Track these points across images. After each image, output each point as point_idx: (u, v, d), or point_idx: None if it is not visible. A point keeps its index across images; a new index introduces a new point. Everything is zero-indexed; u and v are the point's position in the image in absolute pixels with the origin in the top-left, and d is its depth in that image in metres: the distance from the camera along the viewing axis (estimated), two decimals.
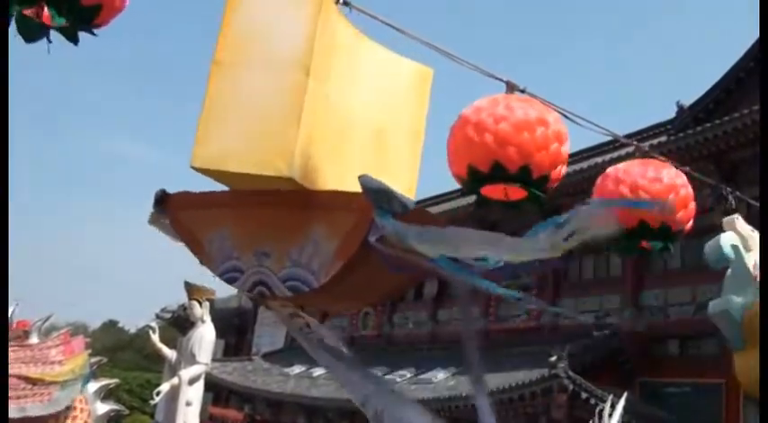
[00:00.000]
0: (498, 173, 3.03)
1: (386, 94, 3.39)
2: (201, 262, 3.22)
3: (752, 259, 4.44)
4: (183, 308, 9.87)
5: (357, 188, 2.73)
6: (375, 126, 3.29)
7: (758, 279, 4.36)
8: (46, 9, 2.14)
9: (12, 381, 4.19)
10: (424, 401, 18.45)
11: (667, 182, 3.78)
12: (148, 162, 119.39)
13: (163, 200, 3.23)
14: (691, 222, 3.84)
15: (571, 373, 15.19)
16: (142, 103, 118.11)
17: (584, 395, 15.07)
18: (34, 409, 4.21)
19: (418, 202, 3.32)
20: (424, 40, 3.27)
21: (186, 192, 3.22)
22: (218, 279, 3.24)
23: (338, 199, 2.87)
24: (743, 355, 4.32)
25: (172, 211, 3.24)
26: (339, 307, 3.42)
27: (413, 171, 3.49)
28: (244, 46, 3.03)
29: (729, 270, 4.42)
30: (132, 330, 63.62)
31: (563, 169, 3.20)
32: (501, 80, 3.29)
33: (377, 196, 2.68)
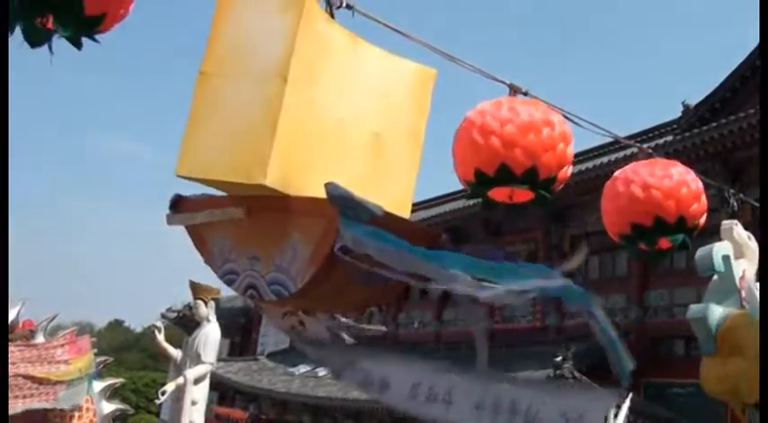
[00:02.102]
0: (505, 175, 3.03)
1: (384, 97, 3.39)
2: (206, 263, 3.27)
3: (741, 267, 4.47)
4: (189, 307, 9.89)
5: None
6: (371, 130, 3.29)
7: (743, 289, 4.39)
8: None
9: (18, 380, 4.21)
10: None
11: (677, 177, 3.79)
12: (153, 162, 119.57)
13: (177, 203, 3.30)
14: (705, 215, 3.85)
15: (576, 374, 15.17)
16: (148, 103, 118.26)
17: None
18: (36, 406, 4.23)
19: (421, 203, 3.33)
20: (426, 43, 3.28)
21: (197, 195, 3.27)
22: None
23: (311, 205, 2.90)
24: (711, 360, 4.40)
25: (186, 215, 3.29)
26: (321, 311, 3.45)
27: (411, 174, 3.50)
28: (229, 57, 3.07)
29: (716, 277, 4.46)
30: (138, 330, 63.82)
31: (569, 170, 3.21)
32: (504, 83, 3.29)
33: (342, 203, 2.69)
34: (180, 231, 3.43)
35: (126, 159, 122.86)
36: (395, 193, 3.30)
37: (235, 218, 3.09)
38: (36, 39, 2.17)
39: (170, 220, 3.34)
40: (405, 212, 3.33)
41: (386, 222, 2.70)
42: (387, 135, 3.35)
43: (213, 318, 9.45)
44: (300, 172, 2.95)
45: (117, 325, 68.65)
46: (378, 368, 3.09)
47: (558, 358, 15.31)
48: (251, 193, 2.97)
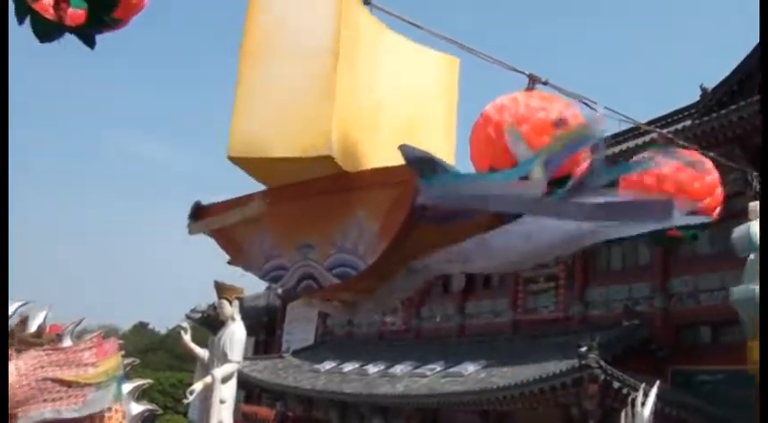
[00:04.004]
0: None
1: (413, 85, 3.39)
2: (242, 266, 3.23)
3: None
4: (213, 307, 9.98)
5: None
6: (405, 115, 3.28)
7: None
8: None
9: (47, 384, 4.26)
10: (455, 395, 18.48)
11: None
12: (177, 166, 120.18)
13: (198, 212, 3.27)
14: (718, 209, 3.79)
15: (602, 363, 15.10)
16: (169, 105, 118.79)
17: (615, 385, 14.98)
18: (69, 411, 4.27)
19: None
20: (446, 36, 3.27)
21: (222, 200, 3.26)
22: (248, 278, 3.26)
23: (375, 176, 2.86)
24: (753, 343, 4.34)
25: (211, 221, 3.27)
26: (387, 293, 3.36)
27: (446, 155, 3.45)
28: (269, 36, 3.07)
29: (752, 256, 4.40)
30: (163, 331, 64.22)
31: (586, 163, 3.17)
32: (523, 73, 3.27)
33: (420, 164, 2.65)
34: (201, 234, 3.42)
35: (150, 161, 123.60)
36: None
37: (274, 213, 3.07)
38: (45, 33, 2.14)
39: (191, 229, 3.32)
40: None
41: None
42: (420, 121, 3.34)
43: (238, 317, 9.50)
44: (352, 147, 2.94)
45: (141, 327, 69.09)
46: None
47: (583, 349, 15.23)
48: (304, 171, 2.94)
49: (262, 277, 3.19)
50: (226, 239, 3.28)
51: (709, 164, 3.80)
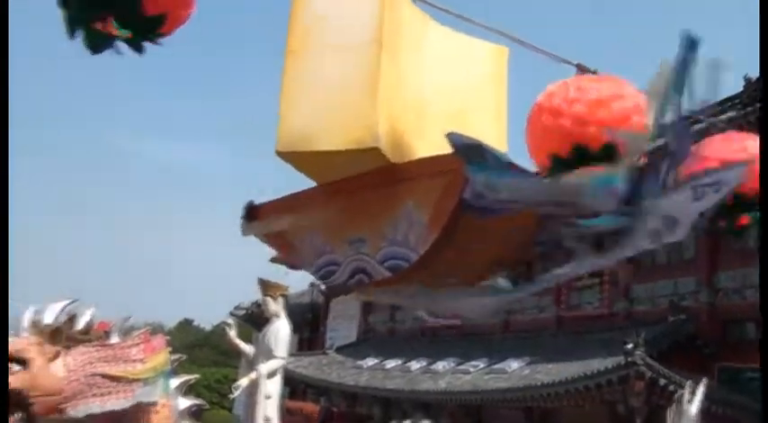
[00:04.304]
0: (581, 155, 2.90)
1: (460, 76, 3.37)
2: (293, 263, 3.27)
3: None
4: (257, 305, 10.11)
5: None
6: (453, 107, 3.26)
7: None
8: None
9: (96, 379, 4.34)
10: (499, 391, 18.42)
11: (752, 151, 3.44)
12: (217, 166, 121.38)
13: (252, 211, 3.31)
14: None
15: (648, 360, 14.93)
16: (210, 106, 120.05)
17: (662, 382, 14.81)
18: (117, 405, 4.36)
19: None
20: (491, 27, 3.26)
21: (273, 200, 3.28)
22: (292, 275, 3.30)
23: (423, 166, 2.85)
24: None
25: (264, 220, 3.30)
26: (439, 284, 3.35)
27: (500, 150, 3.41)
28: (313, 32, 3.10)
29: None
30: (207, 328, 64.90)
31: (647, 143, 3.10)
32: (571, 64, 3.23)
33: (468, 152, 2.62)
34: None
35: (190, 161, 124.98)
36: None
37: (325, 209, 3.09)
38: (96, 44, 2.15)
39: (246, 230, 3.35)
40: None
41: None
42: (469, 113, 3.31)
43: (283, 314, 9.59)
44: (398, 139, 2.95)
45: (187, 324, 69.90)
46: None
47: (629, 345, 15.07)
48: (352, 164, 2.96)
49: (314, 273, 3.21)
50: (278, 238, 3.31)
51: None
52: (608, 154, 2.91)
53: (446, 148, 2.68)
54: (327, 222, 3.14)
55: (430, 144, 3.00)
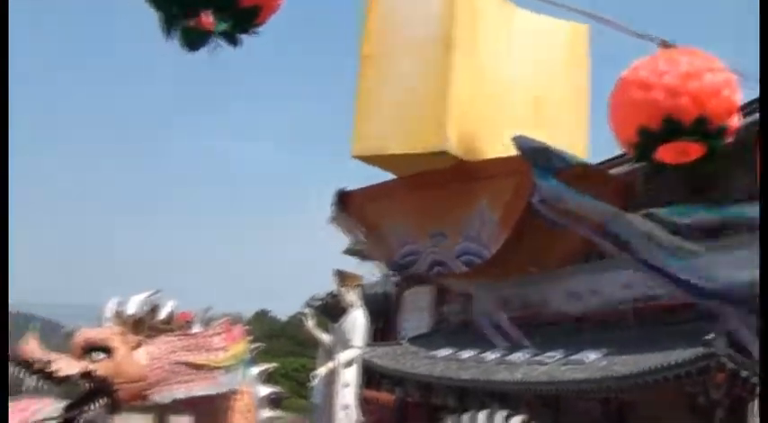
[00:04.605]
0: (672, 128, 2.83)
1: (541, 58, 3.33)
2: (377, 251, 3.31)
3: None
4: (332, 296, 10.27)
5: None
6: (532, 93, 3.24)
7: None
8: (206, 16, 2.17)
9: (179, 367, 4.47)
10: (576, 382, 18.19)
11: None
12: (288, 165, 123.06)
13: (343, 199, 3.37)
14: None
15: (730, 351, 14.54)
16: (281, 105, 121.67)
17: (744, 374, 14.40)
18: (200, 391, 4.48)
19: None
20: (564, 4, 3.20)
21: (364, 187, 3.34)
22: (365, 266, 3.34)
23: (496, 166, 2.86)
24: None
25: (354, 207, 3.36)
26: (516, 273, 3.37)
27: (581, 132, 3.36)
28: (387, 36, 3.12)
29: None
30: (283, 319, 65.84)
31: (738, 119, 3.00)
32: (652, 40, 3.13)
33: (534, 155, 2.62)
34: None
35: (255, 159, 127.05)
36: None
37: (409, 201, 3.12)
38: (193, 41, 2.21)
39: (337, 218, 3.40)
40: None
41: (581, 172, 2.65)
42: (548, 98, 3.28)
43: (360, 304, 9.71)
44: (474, 136, 2.95)
45: (263, 315, 71.06)
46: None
47: (710, 336, 14.69)
48: (428, 165, 2.99)
49: (395, 262, 3.26)
50: (366, 225, 3.36)
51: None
52: (699, 129, 2.83)
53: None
54: (411, 214, 3.17)
55: (510, 134, 2.96)
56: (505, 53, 3.19)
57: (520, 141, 2.63)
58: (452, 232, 3.05)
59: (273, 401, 5.00)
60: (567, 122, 3.29)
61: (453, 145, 2.90)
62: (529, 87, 3.23)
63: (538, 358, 20.99)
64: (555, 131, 3.21)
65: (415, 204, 3.14)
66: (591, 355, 19.38)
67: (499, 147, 3.04)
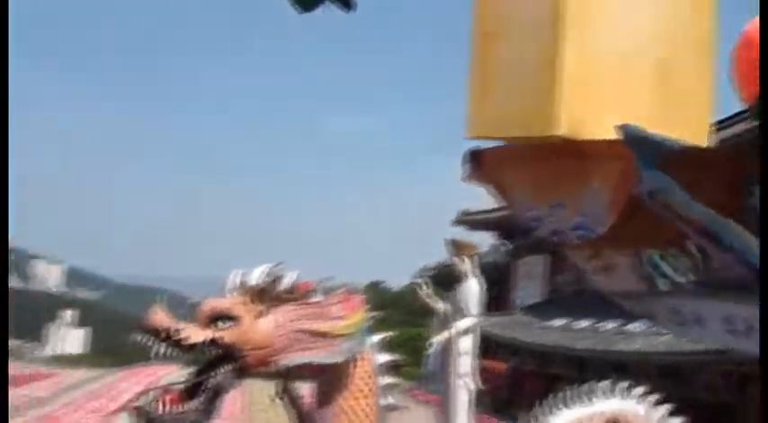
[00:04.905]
0: None
1: (665, 14, 3.15)
2: (511, 213, 3.34)
3: None
4: (443, 266, 10.33)
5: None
6: (656, 57, 3.08)
7: None
8: None
9: (302, 335, 4.61)
10: (696, 354, 17.69)
11: None
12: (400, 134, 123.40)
13: (475, 157, 3.38)
14: None
15: None
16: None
17: None
18: (321, 358, 4.60)
19: None
20: None
21: (494, 148, 3.33)
22: (476, 236, 3.36)
23: (606, 148, 2.81)
24: None
25: (486, 167, 3.37)
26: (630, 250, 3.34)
27: (705, 93, 3.20)
28: (501, 13, 3.07)
29: None
30: (395, 289, 66.45)
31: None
32: None
33: (636, 144, 2.59)
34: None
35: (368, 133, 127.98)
36: (689, 119, 3.07)
37: (534, 168, 3.12)
38: (307, 2, 2.21)
39: (469, 175, 3.41)
40: (702, 139, 3.10)
41: (686, 157, 2.60)
42: (674, 58, 3.11)
43: (475, 273, 9.71)
44: (591, 115, 2.89)
45: (375, 285, 71.93)
46: (689, 304, 3.02)
47: None
48: (543, 142, 2.97)
49: (521, 226, 3.26)
50: (499, 187, 3.36)
51: None
52: None
53: (649, 112, 2.60)
54: (535, 181, 3.14)
55: (630, 109, 2.88)
56: (625, 19, 3.06)
57: (622, 129, 2.57)
58: (571, 205, 3.01)
59: (392, 368, 5.08)
60: (691, 82, 3.13)
61: (566, 128, 2.83)
62: (651, 50, 3.08)
63: (656, 329, 20.51)
64: (681, 99, 3.07)
65: (537, 172, 3.11)
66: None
67: (619, 121, 2.95)
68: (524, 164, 3.16)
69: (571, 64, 2.83)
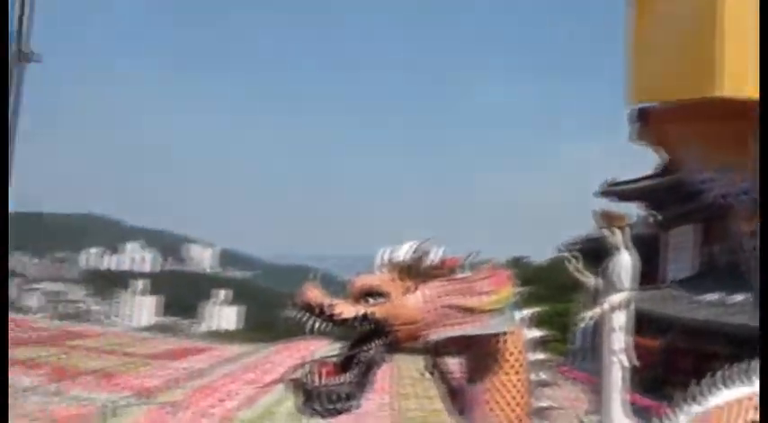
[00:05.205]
0: None
1: None
2: (680, 171, 3.29)
3: None
4: (589, 240, 10.12)
5: None
6: None
7: None
8: None
9: (450, 310, 4.65)
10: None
11: None
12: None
13: (643, 116, 3.34)
14: None
15: None
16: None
17: None
18: (471, 331, 4.64)
19: None
20: None
21: (661, 107, 3.28)
22: (623, 207, 3.31)
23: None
24: None
25: (654, 125, 3.32)
26: None
27: None
28: None
29: None
30: (536, 263, 65.77)
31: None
32: None
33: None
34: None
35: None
36: None
37: (702, 129, 3.05)
38: None
39: (637, 135, 3.36)
40: None
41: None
42: None
43: (627, 245, 9.41)
44: (753, 72, 2.79)
45: (518, 260, 71.40)
46: None
47: None
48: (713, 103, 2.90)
49: (688, 188, 3.20)
50: (667, 146, 3.30)
51: None
52: None
53: None
54: (703, 142, 3.06)
55: None
56: None
57: None
58: (740, 168, 2.91)
59: (541, 344, 5.04)
60: None
61: (727, 88, 2.74)
62: None
63: None
64: None
65: (704, 133, 3.03)
66: None
67: None
68: (691, 124, 3.07)
69: (731, 22, 2.74)
